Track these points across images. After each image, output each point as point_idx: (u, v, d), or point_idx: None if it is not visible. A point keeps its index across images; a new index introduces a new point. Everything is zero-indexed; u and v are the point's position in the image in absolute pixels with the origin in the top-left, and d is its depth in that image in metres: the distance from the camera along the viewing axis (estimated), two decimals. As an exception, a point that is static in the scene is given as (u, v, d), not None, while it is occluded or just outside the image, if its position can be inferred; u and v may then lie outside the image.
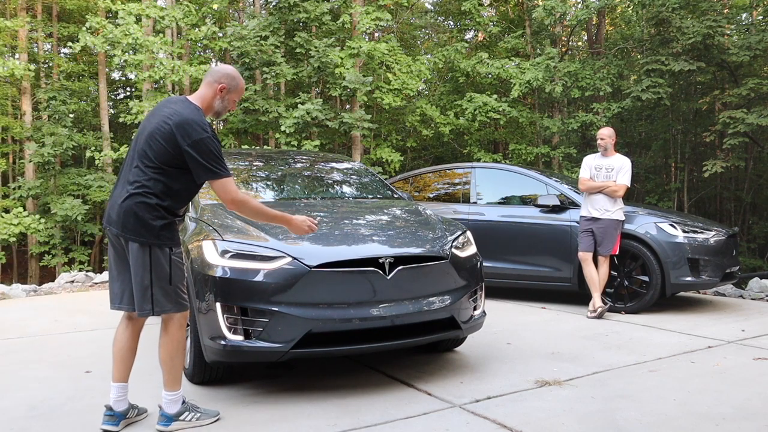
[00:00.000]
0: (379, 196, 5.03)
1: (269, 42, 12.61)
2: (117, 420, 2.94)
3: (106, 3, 13.00)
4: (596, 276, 5.66)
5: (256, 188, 4.76)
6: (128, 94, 22.14)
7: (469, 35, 18.20)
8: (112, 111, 20.27)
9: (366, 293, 3.36)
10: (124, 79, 21.70)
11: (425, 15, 21.01)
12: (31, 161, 14.97)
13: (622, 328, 5.13)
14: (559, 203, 6.26)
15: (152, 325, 3.38)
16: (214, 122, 12.20)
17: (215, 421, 3.00)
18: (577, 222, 5.90)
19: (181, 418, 2.91)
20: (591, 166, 5.84)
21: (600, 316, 5.55)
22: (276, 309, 3.20)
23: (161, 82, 13.63)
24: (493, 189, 6.97)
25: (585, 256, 5.70)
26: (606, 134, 5.86)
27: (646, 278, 5.73)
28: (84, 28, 12.73)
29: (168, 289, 2.85)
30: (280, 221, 3.06)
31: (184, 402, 2.96)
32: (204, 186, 3.05)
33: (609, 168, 5.75)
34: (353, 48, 12.77)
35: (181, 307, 2.92)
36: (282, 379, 3.77)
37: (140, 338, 3.07)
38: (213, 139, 2.84)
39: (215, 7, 16.17)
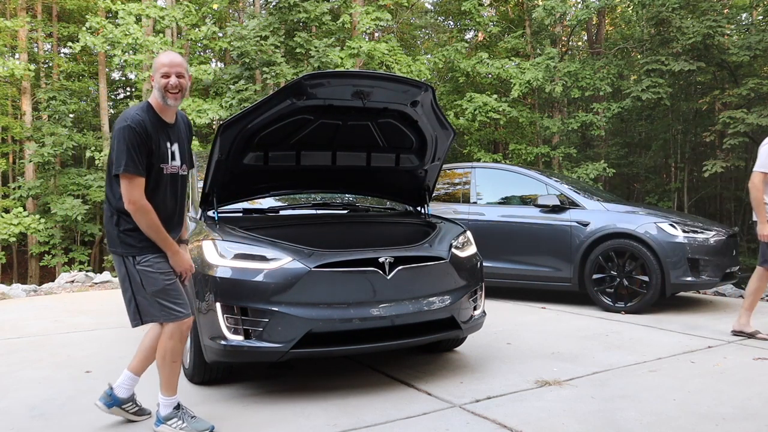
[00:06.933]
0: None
1: (269, 42, 12.62)
2: (111, 401, 2.96)
3: (106, 3, 13.00)
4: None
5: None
6: (128, 94, 22.14)
7: (469, 35, 18.21)
8: (112, 111, 20.26)
9: (366, 293, 3.35)
10: (124, 79, 21.71)
11: (425, 15, 21.03)
12: (31, 161, 14.98)
13: (622, 328, 5.13)
14: (559, 203, 6.25)
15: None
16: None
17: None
18: (577, 222, 5.89)
19: (169, 423, 2.91)
20: None
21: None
22: (276, 309, 3.20)
23: (161, 82, 13.60)
24: (493, 189, 6.97)
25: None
26: None
27: (646, 278, 5.72)
28: (84, 28, 12.74)
29: (149, 298, 2.79)
30: (166, 247, 2.80)
31: (176, 408, 2.94)
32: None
33: None
34: (353, 48, 12.77)
35: (172, 317, 2.82)
36: (282, 379, 3.77)
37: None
38: (130, 129, 2.67)
39: (215, 7, 16.19)
